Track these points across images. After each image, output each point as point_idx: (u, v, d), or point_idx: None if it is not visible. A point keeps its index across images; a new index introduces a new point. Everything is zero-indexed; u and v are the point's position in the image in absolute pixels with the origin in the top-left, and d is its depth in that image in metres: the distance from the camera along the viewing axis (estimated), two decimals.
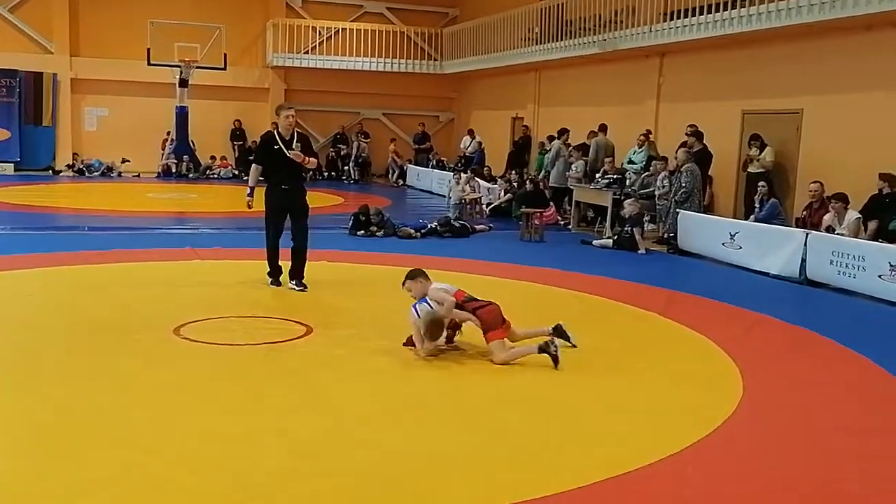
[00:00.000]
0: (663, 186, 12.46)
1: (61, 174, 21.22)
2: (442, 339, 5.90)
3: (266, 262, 8.15)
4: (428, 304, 5.84)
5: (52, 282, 8.07)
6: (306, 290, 7.80)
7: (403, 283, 6.05)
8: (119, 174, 21.51)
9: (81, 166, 21.44)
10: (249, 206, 8.13)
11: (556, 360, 5.60)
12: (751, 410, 4.97)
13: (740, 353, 6.21)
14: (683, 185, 11.72)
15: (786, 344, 6.70)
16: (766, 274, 9.86)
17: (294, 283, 7.98)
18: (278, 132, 7.88)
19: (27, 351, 5.66)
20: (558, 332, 6.11)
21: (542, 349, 5.66)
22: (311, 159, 7.97)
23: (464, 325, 6.04)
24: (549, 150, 15.86)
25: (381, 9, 24.14)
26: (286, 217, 8.06)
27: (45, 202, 15.30)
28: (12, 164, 20.99)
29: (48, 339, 5.99)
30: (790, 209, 12.01)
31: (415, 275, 6.03)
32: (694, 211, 11.62)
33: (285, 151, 7.76)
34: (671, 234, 11.74)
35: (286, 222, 8.09)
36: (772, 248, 9.96)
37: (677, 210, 11.59)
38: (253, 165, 8.14)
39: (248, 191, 8.10)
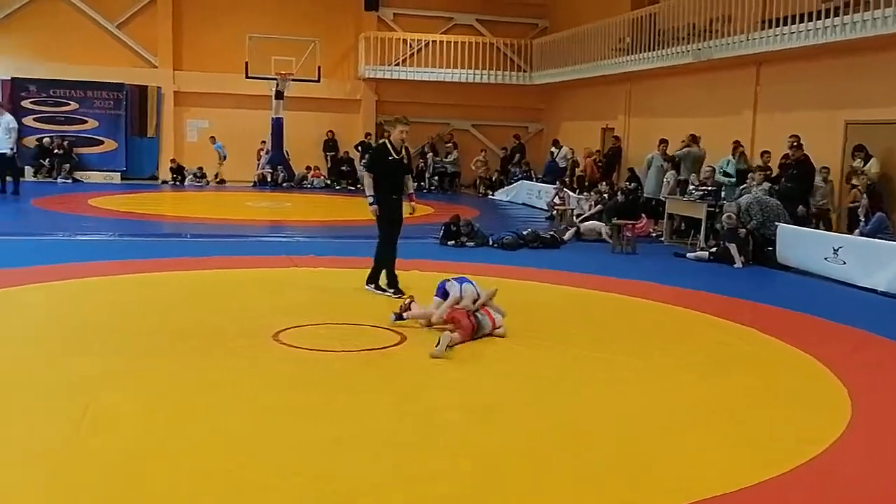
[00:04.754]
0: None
1: (186, 182, 22.08)
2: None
3: (385, 273, 8.21)
4: (472, 284, 6.86)
5: (156, 288, 8.40)
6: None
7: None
8: (223, 181, 22.25)
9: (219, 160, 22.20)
10: (376, 214, 8.09)
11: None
12: (860, 434, 4.76)
13: (848, 372, 5.96)
14: (753, 217, 11.51)
15: None
16: (874, 291, 9.46)
17: (392, 291, 8.15)
18: (391, 143, 8.04)
19: (134, 355, 5.89)
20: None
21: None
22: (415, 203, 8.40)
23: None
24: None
25: (471, 21, 24.29)
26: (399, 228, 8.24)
27: (148, 210, 15.97)
28: (119, 174, 22.00)
29: (153, 343, 6.21)
30: None
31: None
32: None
33: (397, 161, 7.98)
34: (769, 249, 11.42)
35: None
36: (879, 264, 9.55)
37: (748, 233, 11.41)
38: (367, 175, 8.19)
39: (371, 199, 8.06)
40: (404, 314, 6.91)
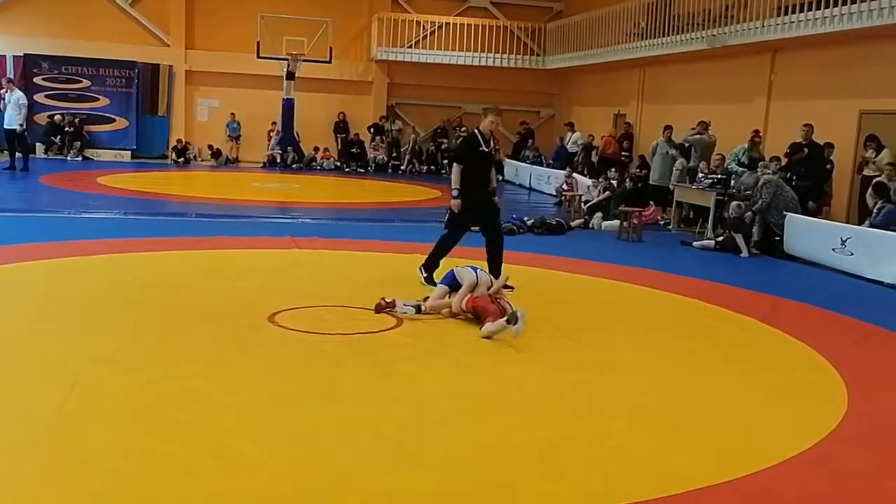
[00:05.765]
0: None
1: (197, 161, 22.22)
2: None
3: (428, 257, 7.97)
4: (484, 272, 6.87)
5: (157, 266, 8.39)
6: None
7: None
8: (230, 161, 22.27)
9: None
10: (457, 210, 7.76)
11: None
12: (854, 427, 4.69)
13: (847, 365, 5.89)
14: (763, 197, 11.34)
15: None
16: (881, 283, 9.34)
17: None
18: (481, 134, 7.80)
19: (131, 331, 5.89)
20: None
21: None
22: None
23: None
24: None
25: (485, 3, 24.09)
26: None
27: (156, 189, 15.97)
28: (129, 152, 22.03)
29: (151, 320, 6.23)
30: None
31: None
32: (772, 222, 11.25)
33: (487, 153, 7.75)
34: (777, 238, 11.29)
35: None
36: (887, 256, 9.42)
37: (754, 218, 11.26)
38: (455, 166, 7.78)
39: (456, 192, 7.67)
40: (421, 305, 6.65)
